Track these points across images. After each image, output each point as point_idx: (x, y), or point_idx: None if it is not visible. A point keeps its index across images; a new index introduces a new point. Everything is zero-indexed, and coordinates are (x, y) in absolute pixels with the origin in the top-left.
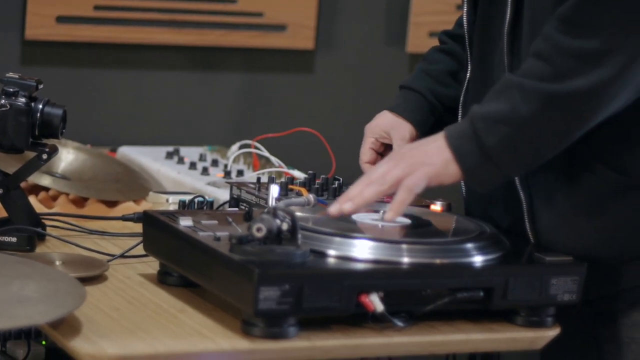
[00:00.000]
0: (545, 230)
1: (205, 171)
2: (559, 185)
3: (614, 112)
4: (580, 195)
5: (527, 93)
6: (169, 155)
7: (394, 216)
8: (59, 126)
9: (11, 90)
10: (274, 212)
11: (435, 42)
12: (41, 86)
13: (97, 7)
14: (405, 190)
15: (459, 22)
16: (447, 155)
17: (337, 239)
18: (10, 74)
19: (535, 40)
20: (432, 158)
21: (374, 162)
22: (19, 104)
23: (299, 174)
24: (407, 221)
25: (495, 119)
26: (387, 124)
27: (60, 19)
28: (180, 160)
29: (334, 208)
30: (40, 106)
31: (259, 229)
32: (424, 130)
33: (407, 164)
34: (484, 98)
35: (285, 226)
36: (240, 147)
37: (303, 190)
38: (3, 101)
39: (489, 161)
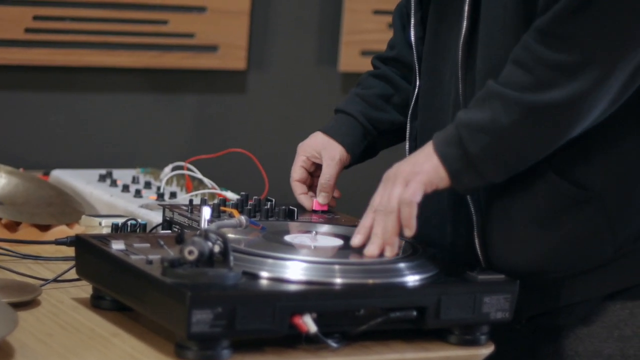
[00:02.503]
0: (495, 243)
1: (138, 193)
2: (512, 197)
3: (592, 121)
4: (533, 206)
5: (507, 103)
6: (102, 178)
7: (412, 232)
8: None
9: None
10: (205, 235)
11: (367, 61)
12: None
13: (28, 30)
14: (405, 205)
15: (391, 45)
16: (435, 161)
17: (270, 260)
18: None
19: (515, 47)
20: (422, 166)
21: (304, 181)
22: None
23: (232, 195)
24: (340, 242)
25: (478, 127)
26: (319, 144)
27: None
28: (113, 183)
29: (372, 249)
30: None
31: (190, 252)
32: (355, 152)
33: (401, 179)
34: (434, 110)
35: (217, 248)
36: (173, 169)
37: (235, 212)
38: None
39: (472, 167)
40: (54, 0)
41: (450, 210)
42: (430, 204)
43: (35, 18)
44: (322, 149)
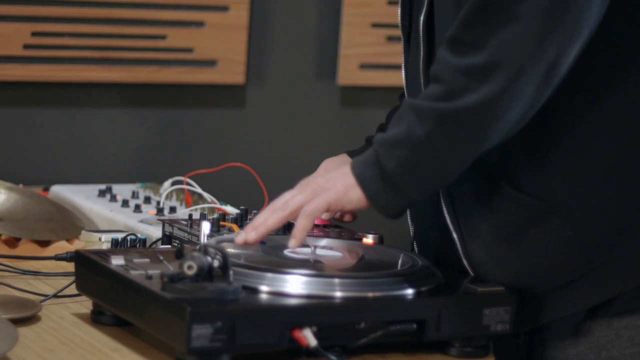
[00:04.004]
0: (478, 264)
1: (137, 208)
2: (482, 217)
3: (511, 126)
4: (499, 224)
5: (421, 114)
6: (101, 193)
7: (297, 244)
8: None
9: None
10: (204, 250)
11: (365, 74)
12: None
13: (26, 46)
14: (304, 217)
15: None
16: (350, 181)
17: (269, 274)
18: None
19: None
20: (334, 183)
21: None
22: None
23: (231, 210)
24: (339, 255)
25: (393, 142)
26: (340, 162)
27: None
28: (113, 198)
29: (240, 238)
30: None
31: (189, 267)
32: None
33: (310, 190)
34: None
35: (216, 263)
36: (173, 184)
37: (234, 227)
38: None
39: (390, 185)
40: (53, 16)
41: (438, 232)
42: (420, 228)
43: (34, 34)
44: (341, 167)
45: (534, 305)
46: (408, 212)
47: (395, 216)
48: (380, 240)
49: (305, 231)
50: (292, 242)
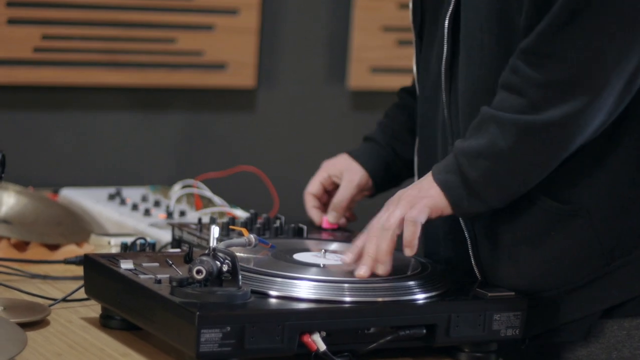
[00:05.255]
0: (488, 263)
1: (147, 212)
2: (500, 217)
3: (591, 137)
4: (520, 225)
5: (504, 126)
6: (111, 197)
7: (413, 252)
8: None
9: None
10: (213, 254)
11: (376, 78)
12: None
13: (36, 50)
14: (409, 224)
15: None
16: (437, 189)
17: (279, 279)
18: None
19: (503, 72)
20: (428, 191)
21: (319, 196)
22: None
23: (241, 213)
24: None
25: (476, 153)
26: (343, 164)
27: (0, 62)
28: (123, 202)
29: (364, 271)
30: None
31: (198, 271)
32: (377, 179)
33: (406, 202)
34: (431, 139)
35: (225, 267)
36: (183, 187)
37: (244, 231)
38: None
39: (473, 194)
40: (63, 20)
41: (449, 233)
42: (428, 229)
43: (44, 37)
44: (345, 170)
45: (547, 307)
46: None
47: (473, 218)
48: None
49: (415, 237)
50: (407, 251)
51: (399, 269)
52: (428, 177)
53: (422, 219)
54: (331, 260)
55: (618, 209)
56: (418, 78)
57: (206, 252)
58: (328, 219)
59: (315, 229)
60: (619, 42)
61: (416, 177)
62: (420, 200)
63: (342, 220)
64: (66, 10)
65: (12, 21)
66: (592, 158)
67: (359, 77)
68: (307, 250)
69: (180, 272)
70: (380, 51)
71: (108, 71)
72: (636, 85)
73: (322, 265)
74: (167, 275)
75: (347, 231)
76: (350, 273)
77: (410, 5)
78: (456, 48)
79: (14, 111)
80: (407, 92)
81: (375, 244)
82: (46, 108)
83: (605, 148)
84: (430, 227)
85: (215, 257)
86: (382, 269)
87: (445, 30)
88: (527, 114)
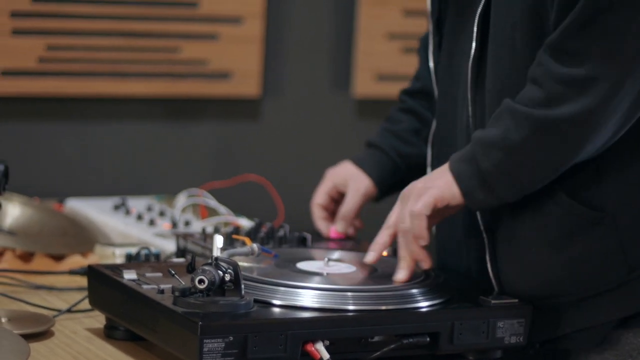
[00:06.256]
0: (506, 266)
1: (152, 222)
2: (522, 219)
3: (604, 141)
4: (545, 228)
5: (518, 118)
6: (116, 207)
7: (425, 243)
8: (0, 182)
9: None
10: (216, 263)
11: (382, 85)
12: None
13: (41, 60)
14: (415, 218)
15: (416, 76)
16: (449, 177)
17: (281, 288)
18: None
19: (531, 65)
20: (435, 182)
21: (325, 206)
22: None
23: (246, 223)
24: (352, 268)
25: (490, 143)
26: (348, 173)
27: (5, 73)
28: (128, 212)
29: (403, 274)
30: None
31: (201, 281)
32: (383, 186)
33: (414, 195)
34: (449, 133)
35: (227, 277)
36: (188, 196)
37: (247, 240)
38: None
39: (485, 184)
40: (67, 30)
41: (465, 234)
42: (445, 229)
43: (49, 48)
44: (350, 179)
45: (563, 313)
46: None
47: (482, 210)
48: (393, 253)
49: (423, 229)
50: (421, 241)
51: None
52: (443, 167)
53: (427, 211)
54: (334, 268)
55: None
56: (436, 71)
57: (208, 261)
58: (336, 229)
59: (324, 239)
60: (637, 44)
61: (429, 169)
62: (426, 191)
63: (351, 230)
64: (70, 20)
65: (16, 32)
66: (620, 163)
67: (364, 85)
68: (310, 259)
69: (183, 282)
70: (386, 59)
71: (112, 81)
72: None
73: (325, 274)
74: (170, 286)
75: (353, 240)
76: (352, 280)
77: None
78: (484, 45)
79: (19, 121)
80: (408, 94)
81: (406, 248)
82: (51, 118)
83: (634, 154)
84: (447, 230)
85: (217, 267)
86: (426, 264)
87: (475, 27)
88: (541, 108)
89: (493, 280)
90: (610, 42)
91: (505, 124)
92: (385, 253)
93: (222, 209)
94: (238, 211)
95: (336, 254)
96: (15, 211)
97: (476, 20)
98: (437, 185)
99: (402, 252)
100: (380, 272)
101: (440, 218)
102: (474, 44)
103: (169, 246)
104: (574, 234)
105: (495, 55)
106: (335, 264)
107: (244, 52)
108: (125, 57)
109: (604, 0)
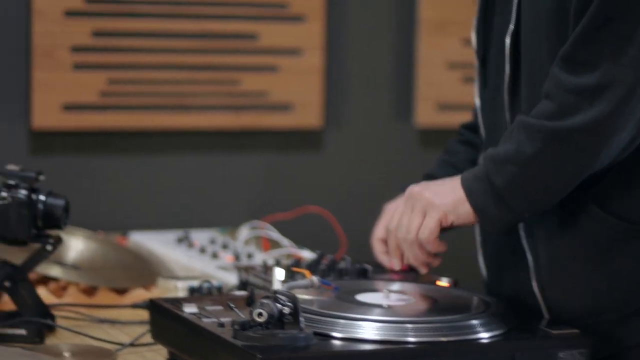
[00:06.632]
0: (550, 285)
1: (215, 255)
2: (561, 236)
3: (620, 150)
4: (581, 243)
5: (531, 131)
6: (179, 240)
7: (426, 270)
8: (61, 217)
9: (12, 182)
10: (275, 296)
11: (443, 115)
12: (42, 177)
13: (103, 94)
14: (425, 244)
15: (475, 111)
16: (459, 195)
17: (341, 320)
18: (11, 166)
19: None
20: (444, 198)
21: (385, 240)
22: (20, 196)
23: (308, 255)
24: (413, 299)
25: (503, 159)
26: None
27: (67, 107)
28: (191, 245)
29: (397, 264)
30: (42, 197)
31: (259, 314)
32: None
33: (420, 207)
34: (493, 143)
35: (287, 310)
36: (251, 229)
37: (306, 273)
38: (4, 194)
39: (500, 201)
40: (128, 64)
41: (510, 255)
42: (491, 251)
43: (110, 82)
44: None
45: (609, 331)
46: (479, 241)
47: (503, 231)
48: (455, 284)
49: (437, 249)
50: (422, 270)
51: (462, 308)
52: (454, 182)
53: (435, 234)
54: (395, 300)
55: None
56: (482, 109)
57: (267, 294)
58: (396, 263)
59: (386, 270)
60: None
61: None
62: (432, 208)
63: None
64: (131, 54)
65: (78, 66)
66: None
67: (425, 114)
68: (371, 290)
69: (243, 315)
70: (446, 88)
71: (173, 114)
72: None
73: (385, 306)
74: (230, 319)
75: (415, 272)
76: (413, 312)
77: (473, 33)
78: (517, 67)
79: (82, 156)
80: (468, 128)
81: (413, 256)
82: (113, 152)
83: None
84: (494, 252)
85: (276, 300)
86: (435, 263)
87: (507, 49)
88: (553, 120)
89: (540, 300)
90: (620, 48)
91: (517, 139)
92: (447, 284)
93: (284, 241)
94: (300, 243)
95: (396, 286)
96: (78, 245)
97: (507, 42)
98: (444, 203)
99: (411, 259)
100: (440, 304)
101: (445, 230)
102: (507, 67)
103: (231, 279)
104: (611, 249)
105: (529, 77)
106: (396, 296)
107: (304, 84)
108: (186, 90)
109: (612, 7)
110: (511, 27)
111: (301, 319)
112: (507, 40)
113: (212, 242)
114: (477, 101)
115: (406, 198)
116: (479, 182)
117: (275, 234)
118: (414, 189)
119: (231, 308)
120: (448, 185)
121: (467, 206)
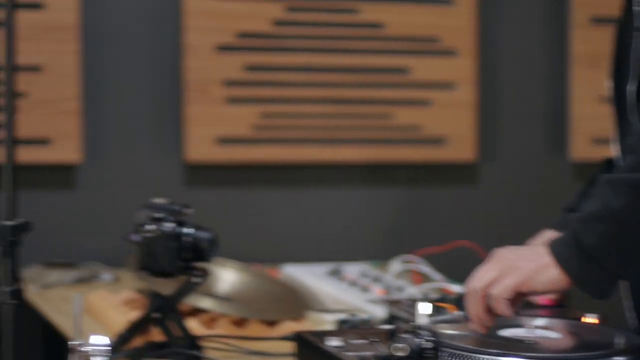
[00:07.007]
0: None
1: (365, 288)
2: None
3: None
4: None
5: (616, 186)
6: (331, 273)
7: (481, 329)
8: (208, 250)
9: (159, 215)
10: (415, 331)
11: (599, 149)
12: (188, 210)
13: (256, 128)
14: (493, 301)
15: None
16: (545, 262)
17: (484, 356)
18: (157, 200)
19: None
20: (526, 263)
21: None
22: (167, 229)
23: (459, 289)
24: (558, 335)
25: (591, 218)
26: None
27: (220, 140)
28: (342, 278)
29: (477, 327)
30: (189, 230)
31: (399, 349)
32: None
33: (500, 267)
34: None
35: (427, 345)
36: (402, 262)
37: (450, 307)
38: (151, 226)
39: (592, 263)
40: (281, 98)
41: None
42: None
43: (263, 116)
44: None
45: None
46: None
47: (601, 295)
48: (603, 320)
49: (502, 311)
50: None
51: (609, 345)
52: (541, 249)
53: (506, 295)
54: (539, 336)
55: None
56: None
57: (408, 329)
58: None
59: (533, 306)
60: None
61: None
62: (512, 272)
63: (557, 296)
64: (283, 88)
65: (231, 100)
66: None
67: (580, 148)
68: (517, 326)
69: (386, 349)
70: (601, 122)
71: (325, 148)
72: None
73: (529, 342)
74: (372, 353)
75: (563, 306)
76: (558, 348)
77: (608, 82)
78: None
79: (236, 189)
80: (610, 162)
81: (472, 307)
82: (266, 185)
83: None
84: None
85: (416, 335)
86: (489, 323)
87: (627, 104)
88: (638, 171)
89: None
90: None
91: (603, 196)
92: (596, 321)
93: (435, 275)
94: (453, 277)
95: (542, 321)
96: (230, 277)
97: (627, 98)
98: (527, 268)
99: (470, 309)
100: (585, 340)
101: (527, 297)
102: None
103: (381, 312)
104: None
105: None
106: (541, 331)
107: (457, 117)
108: (338, 123)
109: None
110: (633, 77)
111: (440, 354)
112: (627, 90)
113: (363, 275)
114: (616, 149)
115: (491, 257)
116: (568, 247)
117: (426, 268)
118: (500, 250)
119: (371, 342)
120: (534, 251)
121: (552, 272)
